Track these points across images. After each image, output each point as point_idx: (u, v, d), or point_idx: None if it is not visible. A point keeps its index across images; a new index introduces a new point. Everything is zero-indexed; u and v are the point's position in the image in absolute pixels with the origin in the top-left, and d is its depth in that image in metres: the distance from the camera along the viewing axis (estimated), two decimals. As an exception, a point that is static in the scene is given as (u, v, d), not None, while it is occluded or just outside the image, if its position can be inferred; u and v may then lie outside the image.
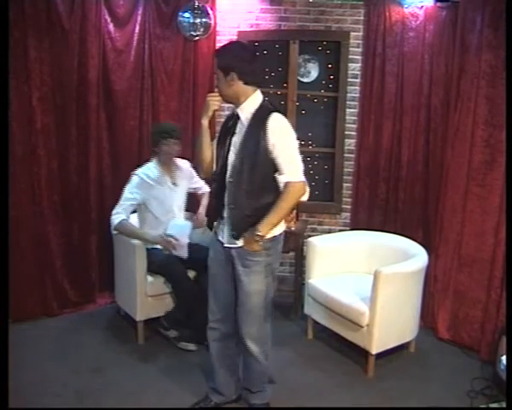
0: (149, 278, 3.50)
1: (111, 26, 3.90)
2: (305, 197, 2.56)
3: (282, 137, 2.40)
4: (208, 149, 2.62)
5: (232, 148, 2.52)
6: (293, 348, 3.58)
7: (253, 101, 2.48)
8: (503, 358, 2.99)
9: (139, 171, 3.57)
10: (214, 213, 2.67)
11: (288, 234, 3.89)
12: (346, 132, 4.37)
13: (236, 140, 2.50)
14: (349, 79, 4.29)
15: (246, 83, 2.46)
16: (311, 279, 3.63)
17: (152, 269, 3.52)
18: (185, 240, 3.44)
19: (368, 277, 3.31)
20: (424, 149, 4.09)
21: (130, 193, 3.50)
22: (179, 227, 3.48)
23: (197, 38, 4.13)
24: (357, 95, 4.29)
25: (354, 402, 2.99)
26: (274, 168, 2.43)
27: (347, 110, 4.33)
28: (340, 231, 4.37)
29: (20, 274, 3.63)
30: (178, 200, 3.72)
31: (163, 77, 4.16)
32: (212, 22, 4.14)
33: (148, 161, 3.68)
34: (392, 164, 4.21)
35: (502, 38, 3.26)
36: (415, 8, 3.94)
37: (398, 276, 3.22)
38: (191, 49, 4.18)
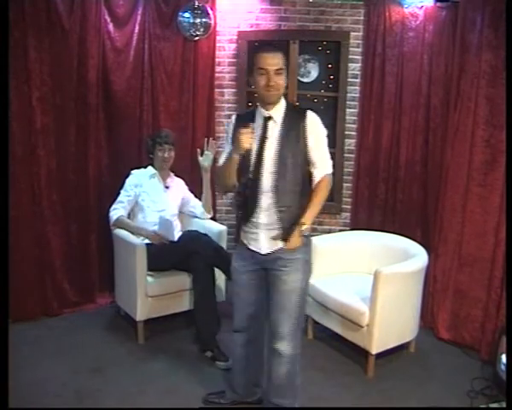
0: (149, 278, 3.50)
1: (111, 26, 3.91)
2: None
3: (320, 133, 2.49)
4: (235, 176, 2.50)
5: (268, 152, 2.44)
6: (293, 348, 3.57)
7: (283, 101, 2.52)
8: (503, 358, 2.99)
9: (135, 170, 3.78)
10: (243, 224, 2.55)
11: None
12: (346, 132, 4.37)
13: (272, 143, 2.44)
14: (349, 79, 4.29)
15: None
16: (311, 279, 3.61)
17: (164, 265, 3.57)
18: (172, 237, 3.60)
19: (368, 277, 3.30)
20: (423, 149, 4.09)
21: (125, 190, 3.69)
22: (165, 226, 3.60)
23: (197, 38, 4.14)
24: (357, 95, 4.29)
25: (354, 402, 2.99)
26: (308, 163, 2.48)
27: (347, 110, 4.33)
28: (340, 231, 4.37)
29: (20, 274, 3.62)
30: (170, 204, 3.80)
31: (163, 77, 4.16)
32: (212, 22, 4.14)
33: (145, 167, 3.83)
34: (391, 164, 4.21)
35: (502, 38, 3.26)
36: (415, 8, 3.94)
37: (398, 276, 3.22)
38: (191, 49, 4.18)
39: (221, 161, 2.58)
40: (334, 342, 3.56)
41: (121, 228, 3.64)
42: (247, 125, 2.39)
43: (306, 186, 2.51)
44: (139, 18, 3.99)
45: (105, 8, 3.84)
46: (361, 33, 4.20)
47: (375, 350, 3.19)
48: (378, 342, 3.18)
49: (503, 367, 3.01)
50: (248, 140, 2.35)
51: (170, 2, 4.06)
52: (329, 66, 4.40)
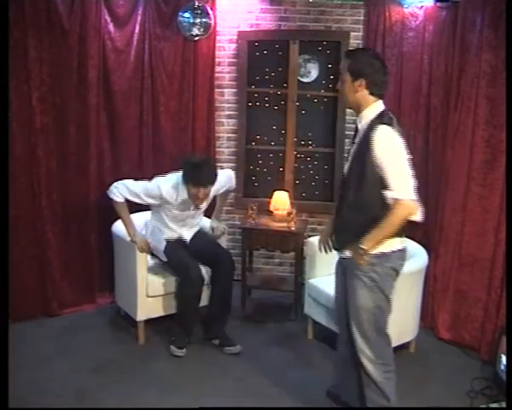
0: (149, 278, 3.50)
1: (111, 26, 3.91)
2: (417, 217, 2.36)
3: (387, 151, 2.29)
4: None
5: (349, 158, 2.50)
6: (293, 348, 3.58)
7: (371, 110, 2.40)
8: (503, 358, 2.99)
9: (165, 185, 3.34)
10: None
11: (287, 234, 3.93)
12: (346, 132, 4.37)
13: (352, 150, 2.47)
14: (349, 79, 4.29)
15: (371, 93, 2.39)
16: (311, 279, 3.62)
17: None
18: (161, 246, 3.50)
19: (368, 277, 3.30)
20: (423, 149, 4.08)
21: (145, 195, 3.37)
22: (157, 237, 3.52)
23: (197, 38, 4.13)
24: (357, 95, 4.29)
25: (354, 402, 2.99)
26: (382, 183, 2.30)
27: (347, 110, 4.32)
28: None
29: (20, 274, 3.63)
30: (196, 218, 3.66)
31: (163, 77, 4.16)
32: (212, 22, 4.14)
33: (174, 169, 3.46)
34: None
35: (502, 38, 3.26)
36: (414, 8, 3.94)
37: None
38: (191, 49, 4.18)
39: None
40: (334, 342, 3.56)
41: (116, 209, 3.47)
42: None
43: (375, 206, 2.34)
44: (139, 18, 3.99)
45: (105, 8, 3.84)
46: (361, 33, 4.20)
47: (375, 350, 3.18)
48: (378, 342, 3.18)
49: (503, 367, 3.01)
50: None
51: (170, 2, 4.06)
52: (329, 66, 4.40)
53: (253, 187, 4.61)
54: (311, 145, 4.52)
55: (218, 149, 4.46)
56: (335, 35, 4.26)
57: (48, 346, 3.45)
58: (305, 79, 4.43)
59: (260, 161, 4.61)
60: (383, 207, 2.32)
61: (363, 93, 2.39)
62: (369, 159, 2.30)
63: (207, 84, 4.28)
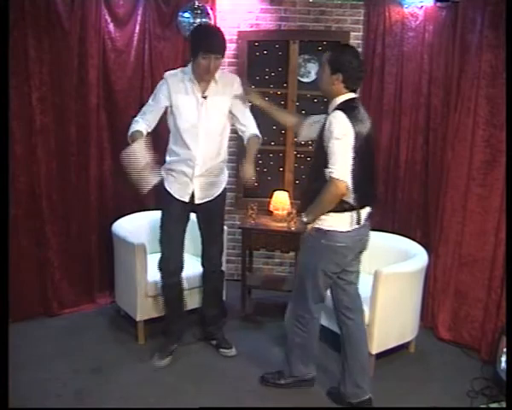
0: (149, 279, 3.50)
1: (111, 26, 3.90)
2: (349, 198, 2.60)
3: (331, 134, 2.52)
4: (284, 117, 3.23)
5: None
6: (293, 348, 3.57)
7: (340, 100, 2.64)
8: (503, 358, 2.99)
9: (169, 75, 3.11)
10: None
11: (287, 234, 3.93)
12: (346, 132, 4.37)
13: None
14: (349, 79, 4.29)
15: (346, 87, 2.63)
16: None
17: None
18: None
19: (368, 277, 3.30)
20: (423, 149, 4.09)
21: (152, 99, 3.15)
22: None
23: (197, 37, 4.13)
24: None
25: (354, 402, 2.99)
26: (326, 161, 2.55)
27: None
28: (340, 231, 4.36)
29: (20, 274, 3.63)
30: (208, 120, 3.08)
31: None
32: (212, 22, 4.14)
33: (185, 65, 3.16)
34: (390, 164, 4.20)
35: (502, 38, 3.26)
36: (414, 8, 3.94)
37: (398, 276, 3.22)
38: (191, 49, 4.17)
39: None
40: (334, 343, 3.56)
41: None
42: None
43: (319, 181, 2.59)
44: (139, 18, 3.98)
45: (105, 8, 3.84)
46: (361, 33, 4.20)
47: (375, 350, 3.19)
48: (378, 342, 3.18)
49: (503, 367, 3.01)
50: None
51: (170, 2, 4.06)
52: (329, 66, 4.40)
53: (253, 187, 4.60)
54: (310, 145, 4.51)
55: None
56: (335, 35, 4.25)
57: (48, 346, 3.45)
58: (305, 79, 4.44)
59: (260, 161, 4.60)
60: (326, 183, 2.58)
61: (339, 87, 2.63)
62: (321, 138, 2.59)
63: (207, 84, 4.28)
